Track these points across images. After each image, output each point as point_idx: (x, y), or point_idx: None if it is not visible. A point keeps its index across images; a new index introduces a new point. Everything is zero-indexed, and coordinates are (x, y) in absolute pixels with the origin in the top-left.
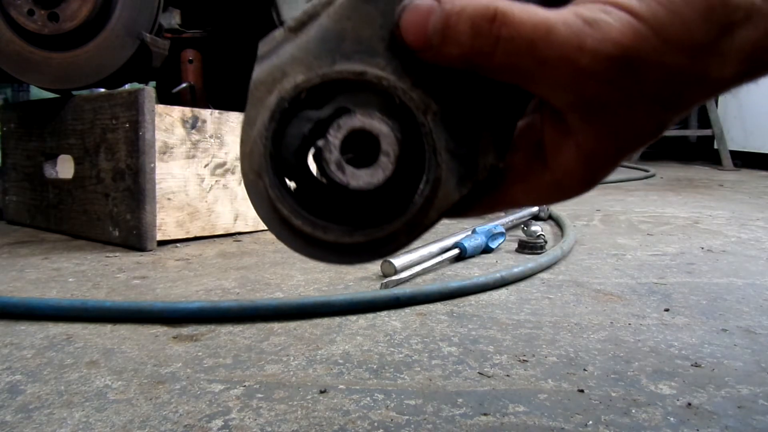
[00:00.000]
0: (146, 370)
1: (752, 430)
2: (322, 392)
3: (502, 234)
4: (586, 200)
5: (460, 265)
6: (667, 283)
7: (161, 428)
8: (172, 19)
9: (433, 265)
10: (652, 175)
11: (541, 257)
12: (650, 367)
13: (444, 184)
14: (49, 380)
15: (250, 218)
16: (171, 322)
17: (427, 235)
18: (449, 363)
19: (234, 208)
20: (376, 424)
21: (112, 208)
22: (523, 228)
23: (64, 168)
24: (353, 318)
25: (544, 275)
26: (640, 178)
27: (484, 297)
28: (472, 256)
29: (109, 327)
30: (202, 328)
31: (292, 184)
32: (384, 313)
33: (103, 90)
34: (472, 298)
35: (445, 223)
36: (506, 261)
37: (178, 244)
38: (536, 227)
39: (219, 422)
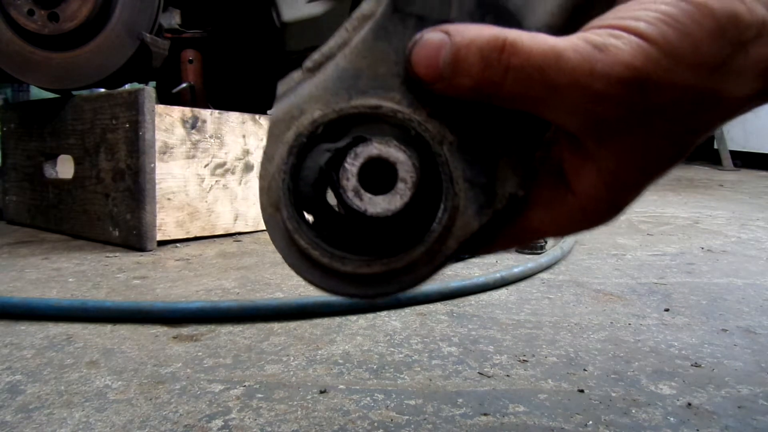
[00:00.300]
0: (146, 370)
1: (752, 430)
2: (322, 392)
3: None
4: None
5: (460, 265)
6: (667, 283)
7: (161, 428)
8: (172, 19)
9: None
10: None
11: (541, 257)
12: (650, 367)
13: (463, 212)
14: (49, 380)
15: (250, 218)
16: (171, 322)
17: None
18: (449, 363)
19: (234, 208)
20: (376, 424)
21: (112, 208)
22: None
23: (64, 168)
24: (353, 318)
25: (544, 275)
26: None
27: (484, 297)
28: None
29: (109, 327)
30: (202, 328)
31: (310, 218)
32: (384, 313)
33: (103, 90)
34: (472, 298)
35: None
36: (506, 261)
37: (178, 244)
38: None
39: (219, 422)
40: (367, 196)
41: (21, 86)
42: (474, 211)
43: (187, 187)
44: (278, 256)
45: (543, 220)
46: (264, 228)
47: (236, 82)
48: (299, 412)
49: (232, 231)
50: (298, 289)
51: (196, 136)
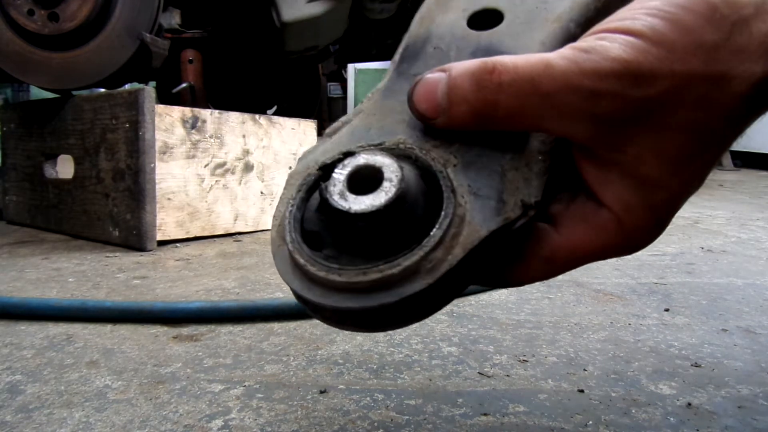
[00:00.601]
0: (146, 370)
1: (752, 430)
2: (322, 392)
3: None
4: None
5: None
6: (667, 283)
7: (161, 428)
8: (172, 19)
9: None
10: None
11: None
12: (650, 367)
13: (469, 221)
14: (49, 380)
15: (250, 218)
16: (171, 322)
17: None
18: (449, 363)
19: (234, 208)
20: (376, 424)
21: (112, 208)
22: None
23: (64, 168)
24: None
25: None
26: None
27: (484, 297)
28: None
29: (109, 327)
30: (202, 328)
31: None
32: None
33: (103, 90)
34: (472, 298)
35: None
36: None
37: (178, 244)
38: None
39: (219, 422)
40: (351, 196)
41: (21, 86)
42: (481, 219)
43: (187, 187)
44: None
45: (578, 238)
46: (264, 228)
47: (236, 82)
48: (299, 412)
49: (232, 231)
50: None
51: (196, 136)
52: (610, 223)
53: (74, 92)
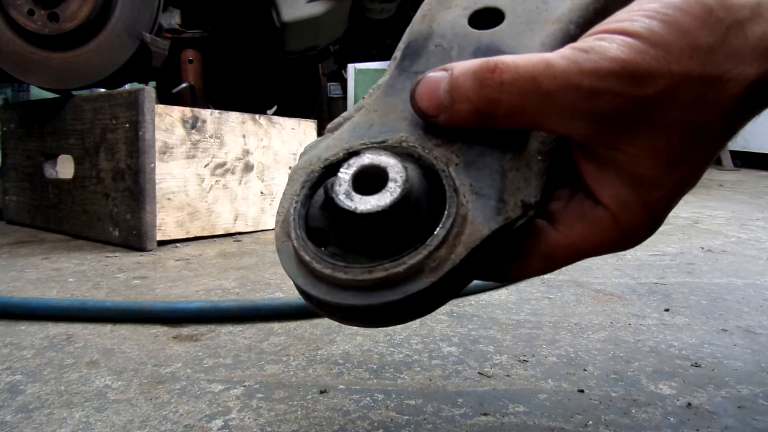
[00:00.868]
0: (146, 370)
1: (752, 430)
2: (322, 392)
3: None
4: None
5: None
6: (667, 283)
7: (161, 428)
8: (172, 19)
9: None
10: None
11: None
12: (650, 367)
13: (471, 221)
14: (49, 380)
15: (250, 218)
16: (171, 322)
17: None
18: (449, 363)
19: (234, 208)
20: (376, 424)
21: (112, 208)
22: None
23: (64, 168)
24: None
25: (543, 275)
26: None
27: (484, 297)
28: None
29: (109, 327)
30: (202, 328)
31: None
32: None
33: (103, 90)
34: (472, 298)
35: None
36: None
37: (178, 244)
38: None
39: (219, 422)
40: (357, 196)
41: (21, 86)
42: (483, 219)
43: (187, 187)
44: (278, 257)
45: (575, 235)
46: (264, 228)
47: (236, 82)
48: (299, 412)
49: (232, 231)
50: None
51: (196, 136)
52: (606, 221)
53: (74, 92)
